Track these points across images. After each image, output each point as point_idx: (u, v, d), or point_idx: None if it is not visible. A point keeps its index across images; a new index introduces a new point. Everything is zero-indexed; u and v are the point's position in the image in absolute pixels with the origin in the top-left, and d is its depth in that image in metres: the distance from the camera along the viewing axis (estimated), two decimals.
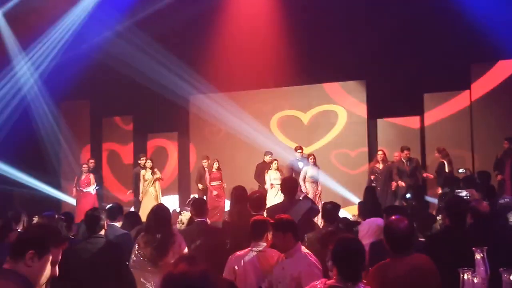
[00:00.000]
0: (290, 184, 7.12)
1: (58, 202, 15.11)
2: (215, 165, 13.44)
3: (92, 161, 14.27)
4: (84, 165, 13.97)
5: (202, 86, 14.92)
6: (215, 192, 13.21)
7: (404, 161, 12.57)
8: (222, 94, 15.30)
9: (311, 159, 12.80)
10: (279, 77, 14.66)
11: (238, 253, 5.08)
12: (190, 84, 14.96)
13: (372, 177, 12.51)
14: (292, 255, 4.67)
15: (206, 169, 13.61)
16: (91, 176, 13.78)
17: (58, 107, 16.04)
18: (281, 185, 8.08)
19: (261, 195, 6.88)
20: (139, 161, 13.79)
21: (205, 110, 15.54)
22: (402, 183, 12.21)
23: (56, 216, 7.87)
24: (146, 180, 13.36)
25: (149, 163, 13.50)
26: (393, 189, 12.39)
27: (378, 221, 6.48)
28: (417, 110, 13.84)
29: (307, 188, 12.39)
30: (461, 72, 13.26)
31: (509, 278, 3.45)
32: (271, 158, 13.10)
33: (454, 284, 3.52)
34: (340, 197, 12.99)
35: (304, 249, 4.78)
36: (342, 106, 14.61)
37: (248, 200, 6.72)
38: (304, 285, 4.40)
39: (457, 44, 12.92)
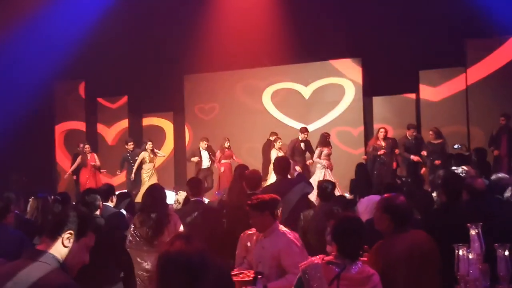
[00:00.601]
0: (282, 164, 7.13)
1: (53, 183, 15.11)
2: (226, 144, 13.31)
3: (87, 146, 14.23)
4: (86, 146, 14.03)
5: (197, 64, 14.83)
6: (222, 169, 13.19)
7: (410, 138, 12.44)
8: (217, 73, 15.26)
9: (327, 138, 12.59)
10: (274, 55, 14.57)
11: (249, 231, 5.06)
12: (184, 63, 14.89)
13: (381, 152, 12.00)
14: (270, 234, 4.66)
15: (202, 150, 13.53)
16: (95, 156, 14.04)
17: (52, 86, 15.97)
18: (274, 164, 8.10)
19: (257, 174, 6.89)
20: (126, 146, 13.88)
21: (199, 89, 15.51)
22: (417, 157, 12.01)
23: (52, 197, 7.88)
24: (151, 162, 13.39)
25: (149, 145, 13.49)
26: (394, 167, 12.30)
27: (376, 198, 6.48)
28: (413, 87, 13.80)
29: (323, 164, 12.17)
30: (456, 48, 13.21)
31: (504, 254, 3.47)
32: (275, 137, 12.99)
33: (452, 260, 3.54)
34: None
35: (282, 227, 4.76)
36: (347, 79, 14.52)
37: (244, 179, 6.74)
38: (284, 263, 4.44)
39: (452, 20, 12.86)
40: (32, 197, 7.37)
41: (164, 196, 5.82)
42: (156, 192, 5.78)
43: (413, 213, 5.41)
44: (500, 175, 6.45)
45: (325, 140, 12.47)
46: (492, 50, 13.17)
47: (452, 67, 13.61)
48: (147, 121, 16.20)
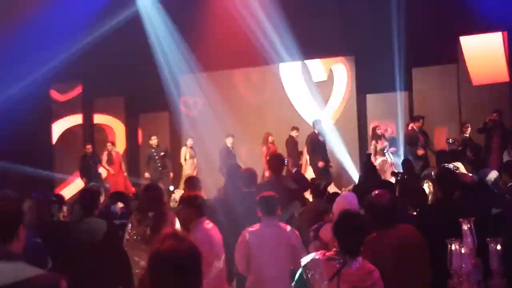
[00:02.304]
0: (276, 161, 7.21)
1: (51, 182, 15.09)
2: (270, 139, 13.09)
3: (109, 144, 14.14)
4: (109, 144, 13.91)
5: (193, 65, 14.83)
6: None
7: (416, 130, 12.31)
8: (212, 73, 15.26)
9: (378, 130, 12.54)
10: (266, 54, 14.56)
11: (250, 228, 5.13)
12: (180, 63, 14.90)
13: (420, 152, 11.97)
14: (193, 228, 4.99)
15: (232, 147, 13.29)
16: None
17: (49, 88, 15.95)
18: (268, 162, 8.17)
19: (252, 172, 6.94)
20: (150, 142, 13.68)
21: (195, 90, 15.50)
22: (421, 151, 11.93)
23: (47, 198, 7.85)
24: (192, 158, 13.32)
25: (190, 142, 13.47)
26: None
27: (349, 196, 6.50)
28: (406, 84, 13.84)
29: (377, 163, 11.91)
30: (449, 45, 13.25)
31: (496, 248, 3.53)
32: (297, 133, 13.01)
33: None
34: None
35: (207, 223, 5.10)
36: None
37: (239, 178, 6.78)
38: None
39: (445, 17, 12.90)
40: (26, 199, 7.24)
41: (160, 195, 5.87)
42: (152, 191, 5.84)
43: (407, 208, 5.51)
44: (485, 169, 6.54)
45: (376, 134, 12.48)
46: (484, 47, 13.21)
47: (444, 64, 13.65)
48: (143, 121, 16.18)
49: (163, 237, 2.31)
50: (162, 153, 13.48)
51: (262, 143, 13.20)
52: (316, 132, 12.44)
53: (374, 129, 12.79)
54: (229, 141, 13.22)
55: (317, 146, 12.30)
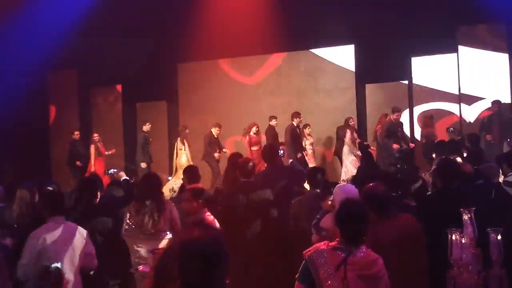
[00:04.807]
0: (270, 151, 7.19)
1: (49, 171, 15.10)
2: (254, 129, 13.06)
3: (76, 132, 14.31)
4: (95, 135, 14.09)
5: (191, 53, 14.79)
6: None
7: (394, 122, 12.42)
8: (210, 61, 15.22)
9: (351, 122, 12.88)
10: (266, 43, 14.52)
11: None
12: (178, 51, 14.86)
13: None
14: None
15: (217, 137, 13.35)
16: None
17: (45, 77, 15.92)
18: (262, 152, 8.16)
19: (250, 162, 6.92)
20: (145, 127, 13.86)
21: (193, 78, 15.48)
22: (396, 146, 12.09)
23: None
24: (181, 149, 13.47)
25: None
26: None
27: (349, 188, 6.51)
28: (405, 74, 13.82)
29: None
30: (448, 35, 13.21)
31: (496, 238, 3.52)
32: (275, 122, 13.05)
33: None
34: None
35: (208, 215, 5.25)
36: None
37: (237, 168, 6.76)
38: None
39: (444, 7, 12.85)
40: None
41: (158, 184, 5.86)
42: (150, 180, 5.82)
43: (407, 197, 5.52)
44: (490, 164, 6.57)
45: (348, 125, 12.96)
46: (483, 37, 13.17)
47: (444, 54, 13.62)
48: (141, 110, 16.15)
49: (190, 227, 2.36)
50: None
51: (244, 133, 13.28)
52: (295, 124, 12.69)
53: (347, 120, 12.94)
54: (215, 131, 13.35)
55: (295, 137, 12.50)
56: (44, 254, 4.63)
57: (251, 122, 13.19)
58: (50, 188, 6.40)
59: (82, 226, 5.14)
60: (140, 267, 5.14)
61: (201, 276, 2.20)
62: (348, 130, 12.92)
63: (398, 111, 12.41)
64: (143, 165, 13.48)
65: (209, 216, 5.28)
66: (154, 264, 2.32)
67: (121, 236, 5.57)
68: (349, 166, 12.55)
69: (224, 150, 13.30)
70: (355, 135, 13.02)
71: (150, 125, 13.88)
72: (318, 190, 5.85)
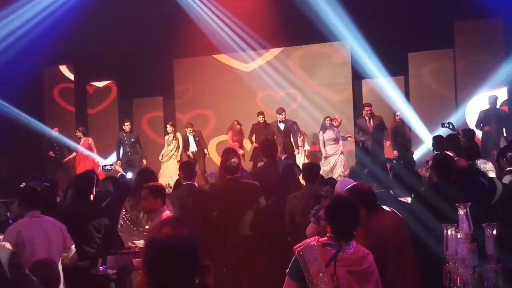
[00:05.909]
0: (269, 147, 7.18)
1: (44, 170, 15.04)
2: (236, 126, 13.30)
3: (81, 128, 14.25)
4: (78, 131, 14.06)
5: (186, 49, 14.75)
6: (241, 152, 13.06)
7: (366, 118, 12.52)
8: (205, 57, 15.20)
9: (327, 120, 12.77)
10: (262, 39, 14.50)
11: None
12: (173, 47, 14.81)
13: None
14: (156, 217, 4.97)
15: (189, 136, 13.56)
16: (90, 140, 13.96)
17: (41, 73, 15.86)
18: (261, 148, 8.13)
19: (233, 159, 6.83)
20: (124, 127, 13.80)
21: (189, 74, 15.45)
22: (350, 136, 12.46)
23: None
24: (170, 145, 13.48)
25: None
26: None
27: (349, 182, 6.52)
28: (402, 70, 13.80)
29: (327, 152, 12.49)
30: (445, 30, 13.20)
31: (492, 233, 3.51)
32: (263, 119, 13.09)
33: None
34: None
35: (167, 212, 5.11)
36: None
37: (221, 165, 6.72)
38: None
39: (441, 2, 12.83)
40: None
41: (154, 180, 5.83)
42: (146, 176, 5.80)
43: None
44: (484, 159, 6.55)
45: (324, 124, 12.77)
46: (480, 32, 13.17)
47: (440, 49, 13.61)
48: (137, 107, 16.10)
49: (160, 224, 2.24)
50: (132, 140, 13.59)
51: (228, 129, 13.44)
52: (279, 120, 12.84)
53: (324, 119, 12.87)
54: (188, 131, 13.60)
55: (278, 133, 12.71)
56: (19, 248, 4.61)
57: (234, 119, 13.43)
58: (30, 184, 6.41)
59: (79, 223, 5.12)
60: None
61: (168, 276, 2.11)
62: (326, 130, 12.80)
63: (368, 106, 12.65)
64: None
65: (168, 214, 5.09)
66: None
67: (117, 232, 5.56)
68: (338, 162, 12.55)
69: (205, 150, 13.64)
70: (333, 132, 12.76)
71: (129, 125, 13.82)
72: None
